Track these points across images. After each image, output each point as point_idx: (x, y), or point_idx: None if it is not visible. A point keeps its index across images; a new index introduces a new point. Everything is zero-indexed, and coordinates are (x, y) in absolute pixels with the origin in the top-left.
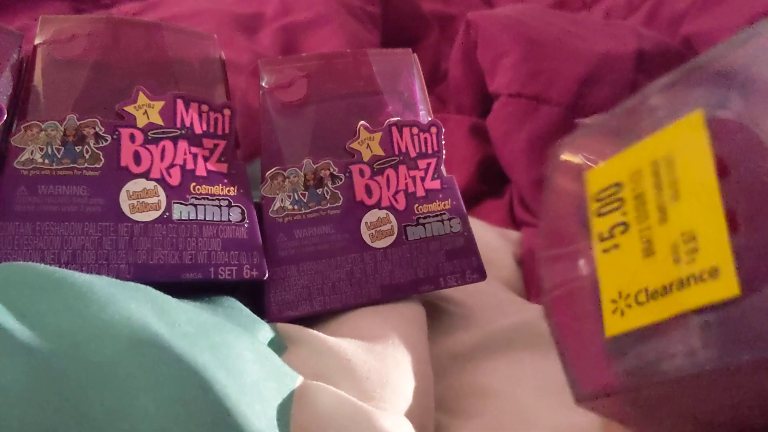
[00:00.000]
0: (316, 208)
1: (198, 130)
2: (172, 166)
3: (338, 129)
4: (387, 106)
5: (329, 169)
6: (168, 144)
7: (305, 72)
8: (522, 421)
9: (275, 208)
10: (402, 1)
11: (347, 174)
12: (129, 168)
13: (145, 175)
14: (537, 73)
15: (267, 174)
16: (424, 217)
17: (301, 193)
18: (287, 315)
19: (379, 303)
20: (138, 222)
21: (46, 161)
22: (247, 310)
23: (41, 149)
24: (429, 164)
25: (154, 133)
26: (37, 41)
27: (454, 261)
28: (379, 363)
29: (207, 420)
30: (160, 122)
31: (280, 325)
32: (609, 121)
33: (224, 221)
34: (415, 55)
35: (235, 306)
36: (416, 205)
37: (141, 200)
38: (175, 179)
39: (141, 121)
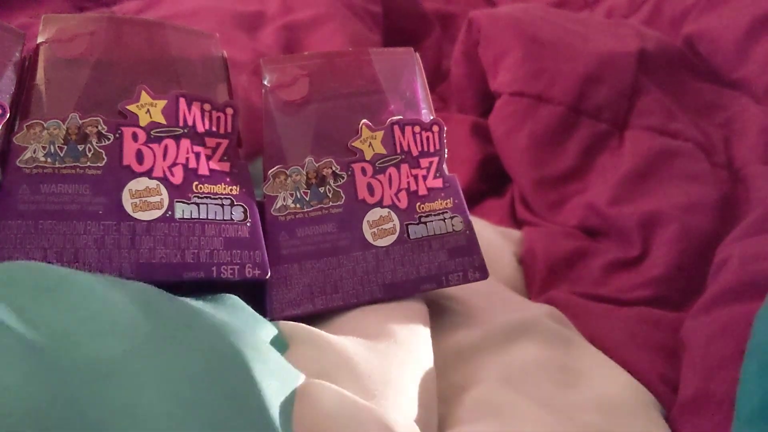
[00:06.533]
0: (318, 206)
1: (200, 129)
2: (174, 164)
3: (340, 127)
4: (389, 105)
5: (331, 168)
6: (170, 143)
7: (307, 71)
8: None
9: (277, 207)
10: (403, 0)
11: (349, 172)
12: (131, 167)
13: (148, 173)
14: (539, 72)
15: (269, 172)
16: (426, 216)
17: (303, 192)
18: (289, 313)
19: (381, 301)
20: (140, 221)
21: (49, 160)
22: (249, 309)
23: (44, 148)
24: (431, 163)
25: (156, 132)
26: (39, 40)
27: (456, 259)
28: (382, 361)
29: (212, 417)
30: (162, 121)
31: (283, 324)
32: None
33: (226, 220)
34: (417, 54)
35: (237, 304)
36: (418, 203)
37: (143, 199)
38: (177, 178)
39: (143, 120)
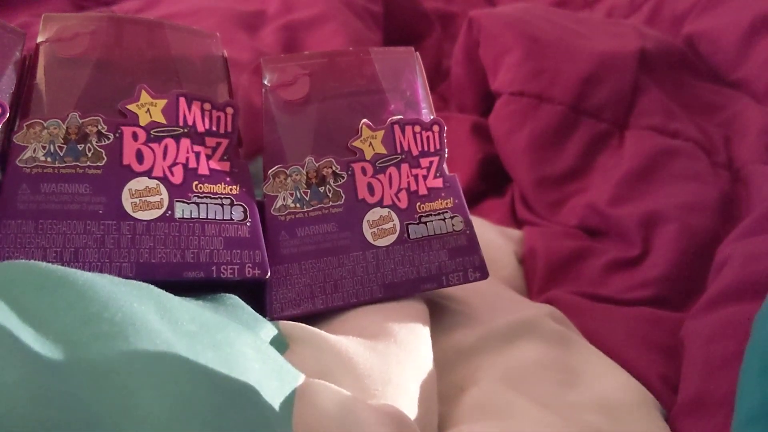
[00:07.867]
0: (319, 206)
1: (200, 129)
2: (174, 164)
3: (340, 127)
4: (389, 105)
5: (331, 167)
6: (170, 142)
7: (308, 70)
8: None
9: (277, 206)
10: (404, 0)
11: (349, 172)
12: (131, 166)
13: (148, 173)
14: (539, 72)
15: (269, 172)
16: (427, 216)
17: (303, 191)
18: (289, 313)
19: (381, 301)
20: (140, 220)
21: (49, 159)
22: (249, 308)
23: (44, 147)
24: (431, 162)
25: (156, 132)
26: (39, 39)
27: (457, 259)
28: (381, 361)
29: (209, 418)
30: (162, 120)
31: (282, 323)
32: None
33: (226, 220)
34: (417, 53)
35: (237, 304)
36: (418, 203)
37: (143, 198)
38: (177, 178)
39: (143, 120)
